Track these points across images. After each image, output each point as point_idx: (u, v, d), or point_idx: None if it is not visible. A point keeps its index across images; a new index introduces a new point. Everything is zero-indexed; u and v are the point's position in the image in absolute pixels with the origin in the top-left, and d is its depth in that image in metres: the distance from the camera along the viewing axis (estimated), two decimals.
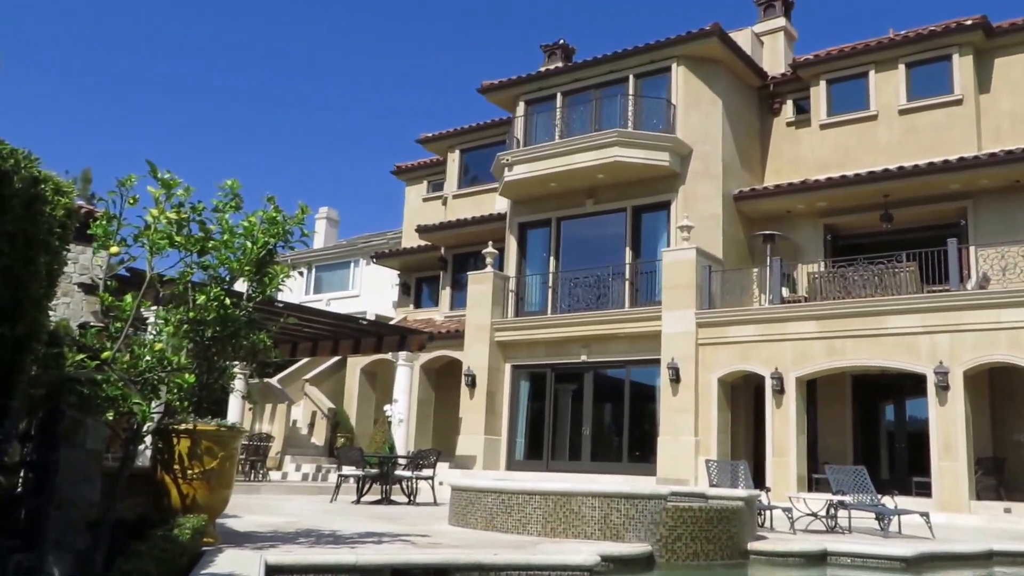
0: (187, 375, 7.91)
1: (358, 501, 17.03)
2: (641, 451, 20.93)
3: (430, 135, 28.43)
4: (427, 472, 17.86)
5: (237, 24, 78.25)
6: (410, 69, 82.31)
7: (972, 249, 18.86)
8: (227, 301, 8.52)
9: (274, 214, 8.97)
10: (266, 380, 25.45)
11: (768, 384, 18.80)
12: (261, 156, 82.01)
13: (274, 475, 22.84)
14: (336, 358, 26.32)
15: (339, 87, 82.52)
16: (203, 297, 8.41)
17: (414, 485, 17.68)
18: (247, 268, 8.77)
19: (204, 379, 8.62)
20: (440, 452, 19.10)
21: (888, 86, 21.21)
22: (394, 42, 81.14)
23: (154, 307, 9.01)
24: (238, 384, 19.86)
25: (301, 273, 10.50)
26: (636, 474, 19.80)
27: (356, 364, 26.62)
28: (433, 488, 17.94)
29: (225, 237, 8.69)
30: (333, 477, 19.55)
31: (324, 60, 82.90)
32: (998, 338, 16.66)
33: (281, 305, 15.09)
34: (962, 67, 20.33)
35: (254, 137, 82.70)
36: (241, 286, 8.97)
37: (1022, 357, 16.36)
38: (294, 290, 35.32)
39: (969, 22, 20.07)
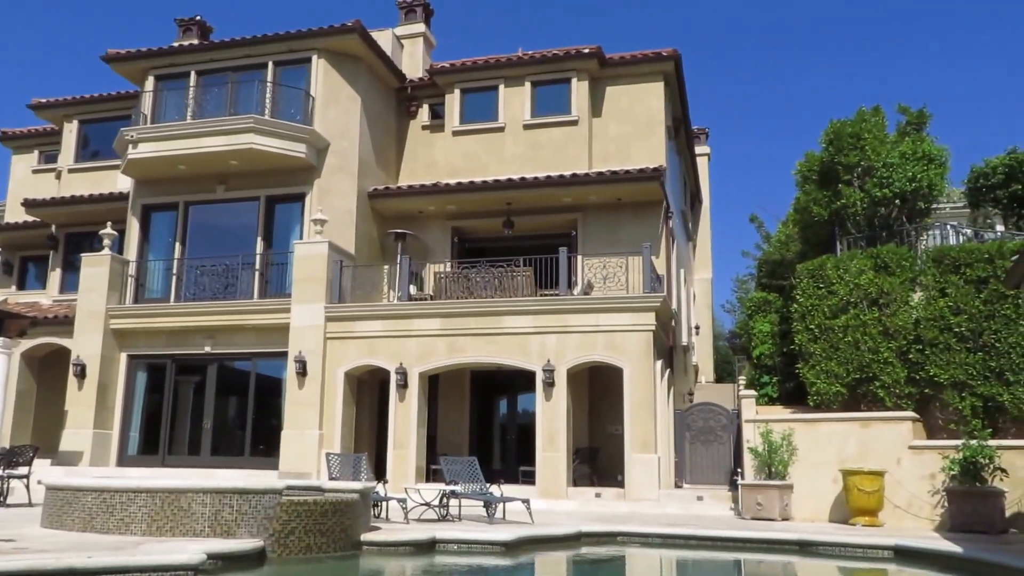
0: None
1: None
2: (266, 445, 20.55)
3: (44, 100, 25.72)
4: (22, 470, 16.22)
5: None
6: (27, 30, 74.12)
7: (580, 258, 20.69)
8: None
9: None
10: None
11: (393, 379, 19.28)
12: None
13: None
14: None
15: None
16: None
17: (5, 485, 15.95)
18: None
19: None
20: (39, 448, 17.38)
21: (516, 101, 22.65)
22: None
23: None
24: None
25: None
26: (259, 468, 19.45)
27: None
28: (29, 488, 16.30)
29: None
30: None
31: None
32: (597, 340, 18.43)
33: None
34: (579, 91, 22.23)
35: None
36: None
37: (615, 357, 18.24)
38: None
39: (587, 50, 22.00)
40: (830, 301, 17.73)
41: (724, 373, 34.48)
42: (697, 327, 28.74)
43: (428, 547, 11.43)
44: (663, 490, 17.55)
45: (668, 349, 20.98)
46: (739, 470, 17.16)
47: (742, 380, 20.92)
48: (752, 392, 18.09)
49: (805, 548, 12.72)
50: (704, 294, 31.87)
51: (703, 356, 30.57)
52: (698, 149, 31.36)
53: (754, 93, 73.16)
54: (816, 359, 17.57)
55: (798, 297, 18.31)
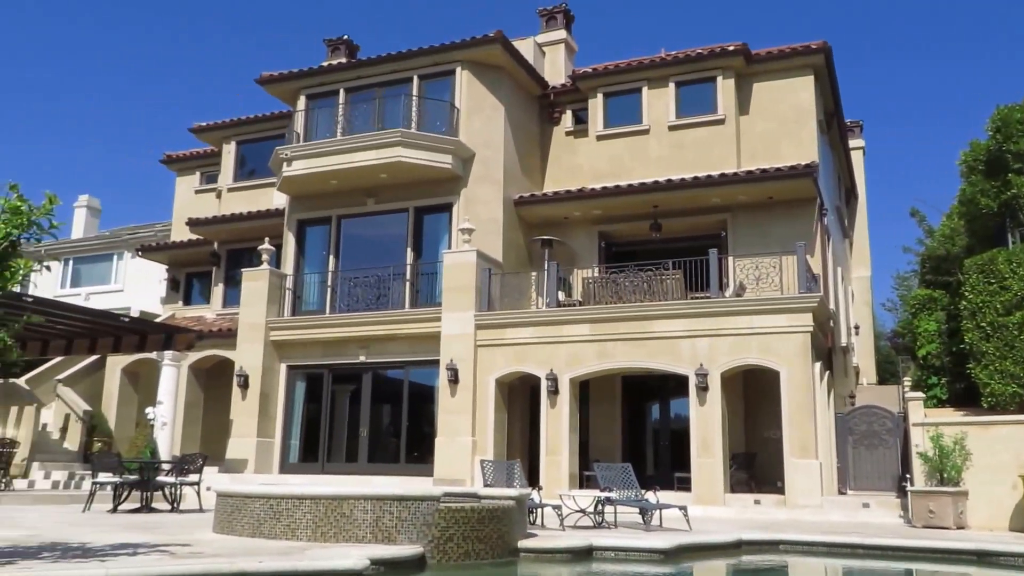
0: None
1: (115, 510, 15.93)
2: (419, 452, 20.89)
3: (204, 124, 27.13)
4: (193, 477, 17.00)
5: None
6: (185, 57, 78.54)
7: (731, 259, 20.14)
8: None
9: (18, 203, 8.23)
10: (10, 380, 23.30)
11: (543, 385, 19.26)
12: (23, 145, 75.54)
13: (19, 483, 20.91)
14: (94, 357, 24.57)
15: (107, 73, 77.48)
16: None
17: (178, 492, 16.75)
18: None
19: None
20: (208, 456, 18.23)
21: (659, 102, 22.30)
22: (167, 28, 77.19)
23: None
24: None
25: (48, 267, 9.45)
26: (414, 475, 19.76)
27: (117, 364, 24.95)
28: (199, 494, 17.09)
29: None
30: (87, 485, 18.21)
31: (88, 45, 77.56)
32: (751, 342, 17.88)
33: (30, 300, 13.88)
34: (725, 89, 21.68)
35: (14, 125, 76.05)
36: None
37: (771, 360, 17.66)
38: (46, 284, 32.75)
39: (732, 48, 21.44)
40: (1003, 297, 16.64)
41: (887, 374, 32.89)
42: (857, 327, 27.55)
43: (585, 554, 11.28)
44: (825, 496, 16.86)
45: (827, 350, 20.17)
46: (907, 476, 16.33)
47: (907, 381, 19.84)
48: (919, 394, 17.17)
49: (983, 558, 11.91)
50: (863, 292, 30.53)
51: (864, 357, 29.26)
52: (852, 143, 30.05)
53: (909, 83, 69.91)
54: (989, 359, 16.51)
55: (967, 294, 17.27)
